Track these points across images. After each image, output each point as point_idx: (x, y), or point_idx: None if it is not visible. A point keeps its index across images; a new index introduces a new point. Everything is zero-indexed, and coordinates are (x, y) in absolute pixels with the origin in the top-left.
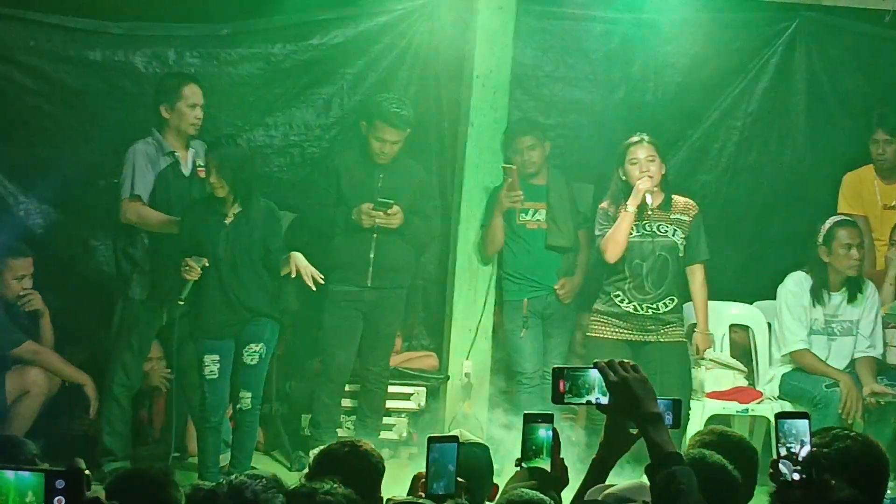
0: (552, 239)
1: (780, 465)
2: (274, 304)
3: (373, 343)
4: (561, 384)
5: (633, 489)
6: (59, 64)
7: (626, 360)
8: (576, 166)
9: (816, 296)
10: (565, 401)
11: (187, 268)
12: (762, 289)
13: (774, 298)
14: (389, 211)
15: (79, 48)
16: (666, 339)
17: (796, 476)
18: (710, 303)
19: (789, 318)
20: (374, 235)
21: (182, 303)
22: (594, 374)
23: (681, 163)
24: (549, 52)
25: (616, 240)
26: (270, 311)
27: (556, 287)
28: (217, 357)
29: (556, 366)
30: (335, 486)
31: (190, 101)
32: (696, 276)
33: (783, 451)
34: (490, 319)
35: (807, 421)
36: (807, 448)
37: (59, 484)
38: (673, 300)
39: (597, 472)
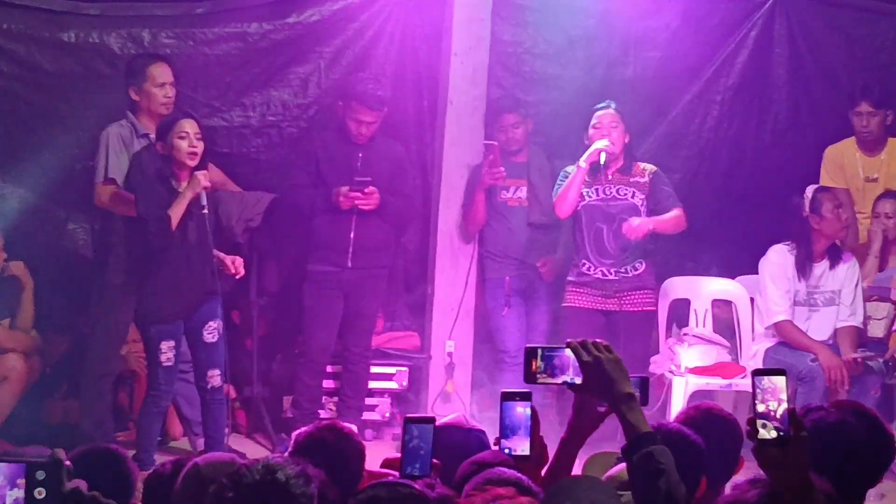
0: (533, 216)
1: (757, 423)
2: (218, 279)
3: (354, 323)
4: (533, 364)
5: None
6: (33, 46)
7: (599, 340)
8: (557, 143)
9: (801, 268)
10: (539, 381)
11: None
12: (744, 264)
13: (757, 273)
14: (366, 190)
15: (53, 30)
16: (635, 308)
17: (774, 434)
18: (693, 278)
19: (773, 290)
20: (354, 216)
21: None
22: (569, 354)
23: (661, 138)
24: (528, 29)
25: (566, 196)
26: (216, 287)
27: (538, 265)
28: (173, 343)
29: (528, 345)
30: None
31: (158, 81)
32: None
33: (761, 409)
34: (472, 298)
35: (784, 377)
36: (784, 405)
37: (40, 475)
38: (642, 263)
39: (566, 451)
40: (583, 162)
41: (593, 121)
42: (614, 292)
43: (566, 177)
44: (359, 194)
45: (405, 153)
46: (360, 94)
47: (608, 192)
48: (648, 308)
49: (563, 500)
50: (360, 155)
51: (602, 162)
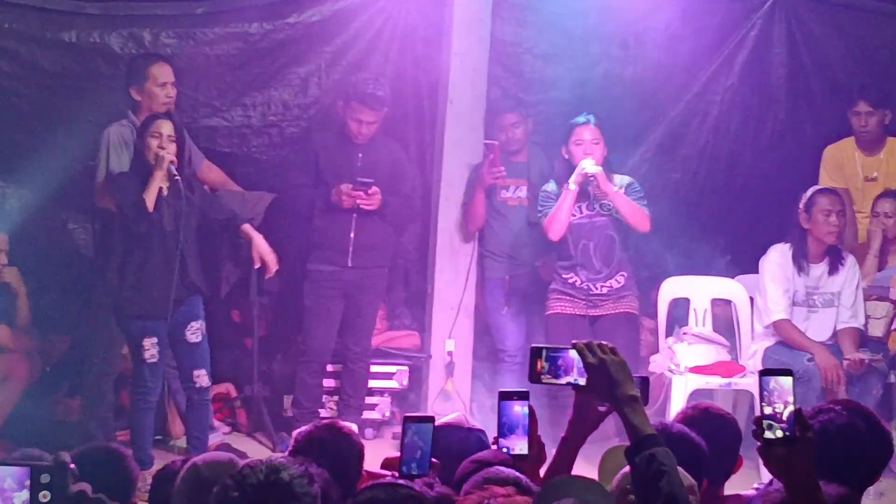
0: (533, 216)
1: (763, 423)
2: (205, 277)
3: (354, 322)
4: (538, 364)
5: None
6: (34, 46)
7: (604, 343)
8: (556, 143)
9: (798, 265)
10: (542, 381)
11: None
12: (744, 263)
13: (756, 272)
14: (370, 191)
15: (54, 30)
16: (618, 311)
17: (780, 433)
18: (692, 277)
19: (773, 289)
20: (354, 215)
21: None
22: (573, 355)
23: (662, 137)
24: (528, 29)
25: (558, 218)
26: (201, 285)
27: (537, 264)
28: (156, 339)
29: (534, 345)
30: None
31: (159, 81)
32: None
33: (767, 411)
34: (472, 297)
35: (791, 378)
36: (791, 406)
37: (45, 478)
38: (624, 276)
39: (566, 451)
40: (572, 185)
41: (573, 136)
42: (597, 300)
43: (546, 197)
44: (361, 194)
45: (405, 153)
46: (360, 94)
47: (592, 209)
48: (630, 311)
49: (557, 498)
50: (361, 155)
51: (593, 182)
